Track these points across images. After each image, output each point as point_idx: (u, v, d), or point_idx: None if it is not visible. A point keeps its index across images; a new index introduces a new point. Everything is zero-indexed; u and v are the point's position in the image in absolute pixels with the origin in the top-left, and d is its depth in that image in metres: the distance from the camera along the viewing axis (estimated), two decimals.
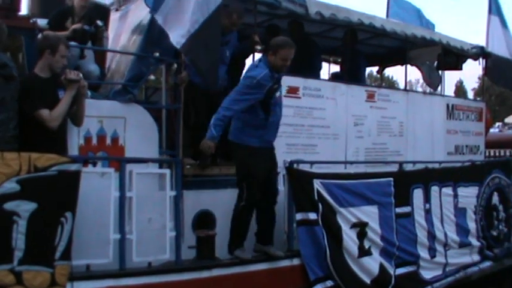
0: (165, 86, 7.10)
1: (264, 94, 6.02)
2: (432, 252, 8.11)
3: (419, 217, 7.99)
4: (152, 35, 6.49)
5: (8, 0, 5.49)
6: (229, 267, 6.05)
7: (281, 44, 6.17)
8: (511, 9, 11.75)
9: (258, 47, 7.84)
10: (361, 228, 7.07)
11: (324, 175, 6.85)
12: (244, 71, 6.70)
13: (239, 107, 6.00)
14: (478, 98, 29.81)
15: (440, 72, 11.48)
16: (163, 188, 5.77)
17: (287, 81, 7.44)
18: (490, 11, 11.43)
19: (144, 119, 6.28)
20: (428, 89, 13.58)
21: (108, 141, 5.99)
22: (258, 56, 7.38)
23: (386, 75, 46.43)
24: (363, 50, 10.18)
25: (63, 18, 6.55)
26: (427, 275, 7.94)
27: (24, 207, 4.59)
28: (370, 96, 8.87)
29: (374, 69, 13.92)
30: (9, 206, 4.53)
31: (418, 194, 8.04)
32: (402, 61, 10.47)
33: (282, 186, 6.70)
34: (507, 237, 9.65)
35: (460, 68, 11.56)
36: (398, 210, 7.62)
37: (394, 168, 8.02)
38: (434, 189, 8.34)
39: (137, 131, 6.17)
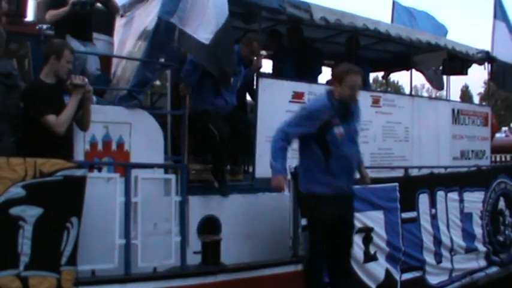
0: (170, 91, 7.12)
1: (316, 128, 5.52)
2: (438, 257, 8.08)
3: (425, 222, 7.97)
4: (157, 40, 6.51)
5: (14, 7, 5.53)
6: (235, 273, 6.03)
7: (346, 71, 5.64)
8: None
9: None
10: (366, 233, 7.05)
11: None
12: None
13: (292, 131, 5.63)
14: (484, 103, 29.78)
15: (445, 77, 11.48)
16: (169, 193, 5.79)
17: (292, 86, 7.45)
18: (495, 16, 11.41)
19: (149, 124, 6.29)
20: (433, 94, 13.57)
21: (114, 146, 6.00)
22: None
23: (391, 80, 46.46)
24: (368, 55, 10.19)
25: None
26: (433, 280, 7.92)
27: (30, 212, 4.61)
28: (376, 102, 8.86)
29: (380, 74, 13.91)
30: (15, 211, 4.55)
31: (423, 199, 8.01)
32: (407, 66, 10.46)
33: (287, 192, 6.71)
34: None
35: (466, 73, 11.53)
36: (404, 215, 7.60)
37: (399, 173, 8.00)
38: (440, 194, 8.31)
39: (143, 136, 6.18)
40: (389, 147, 9.00)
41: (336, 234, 5.67)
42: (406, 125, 9.31)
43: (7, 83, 4.87)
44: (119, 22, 7.78)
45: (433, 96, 36.02)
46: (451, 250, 8.31)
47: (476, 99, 58.10)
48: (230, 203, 6.69)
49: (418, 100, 10.30)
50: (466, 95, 60.40)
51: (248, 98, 8.42)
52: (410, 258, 7.58)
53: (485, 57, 10.92)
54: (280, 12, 7.59)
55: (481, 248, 8.91)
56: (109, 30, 7.39)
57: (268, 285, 6.24)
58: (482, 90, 58.17)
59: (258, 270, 6.21)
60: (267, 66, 9.40)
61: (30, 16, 6.03)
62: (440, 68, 11.33)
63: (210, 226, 6.54)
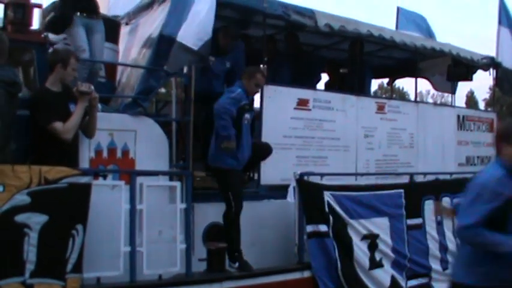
0: (175, 99, 7.14)
1: None
2: (444, 264, 8.04)
3: (431, 229, 7.94)
4: (162, 48, 6.53)
5: (19, 15, 5.54)
6: (240, 280, 6.04)
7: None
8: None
9: None
10: (372, 240, 7.04)
11: (334, 187, 6.85)
12: None
13: None
14: (489, 109, 29.72)
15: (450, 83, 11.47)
16: (174, 200, 5.79)
17: (297, 93, 7.46)
18: (500, 22, 11.39)
19: (154, 132, 6.30)
20: (439, 100, 13.56)
21: (119, 154, 6.01)
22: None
23: (396, 86, 46.43)
24: (373, 62, 10.19)
25: None
26: (439, 287, 7.87)
27: (35, 220, 4.63)
28: (380, 108, 8.85)
29: (385, 81, 13.92)
30: (20, 218, 4.57)
31: (429, 206, 7.99)
32: (412, 73, 10.46)
33: (292, 199, 6.71)
34: None
35: (471, 79, 11.51)
36: (410, 222, 7.59)
37: (405, 179, 7.99)
38: (446, 201, 8.29)
39: (147, 144, 6.18)
40: (395, 154, 8.98)
41: None
42: (411, 132, 9.29)
43: (12, 92, 4.88)
44: (124, 30, 7.82)
45: (438, 102, 36.04)
46: None
47: (481, 105, 57.94)
48: None
49: (423, 106, 10.29)
50: (471, 100, 60.16)
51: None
52: (416, 265, 7.56)
53: (490, 63, 10.90)
54: (284, 19, 7.61)
55: None
56: (114, 38, 7.42)
57: None
58: (487, 96, 57.93)
59: (264, 277, 6.21)
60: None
61: (35, 24, 6.04)
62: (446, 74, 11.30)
63: (215, 233, 6.53)
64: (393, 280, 7.19)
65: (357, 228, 6.91)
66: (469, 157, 10.59)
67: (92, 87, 5.39)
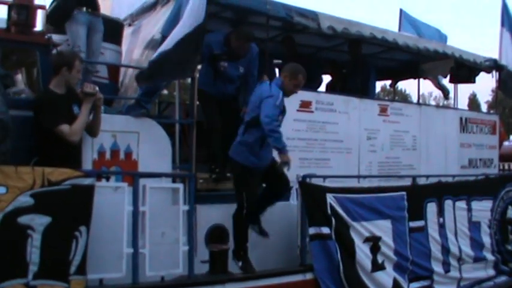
0: (179, 100, 7.14)
1: None
2: (446, 266, 8.06)
3: (433, 231, 7.95)
4: None
5: (23, 16, 5.55)
6: (243, 282, 6.04)
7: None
8: None
9: None
10: (374, 242, 7.04)
11: (337, 189, 6.85)
12: None
13: None
14: (492, 111, 29.70)
15: (452, 85, 11.49)
16: (177, 202, 5.78)
17: (300, 95, 7.46)
18: (502, 24, 11.39)
19: (157, 133, 6.30)
20: (441, 102, 13.57)
21: (122, 155, 6.02)
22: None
23: (399, 88, 46.44)
24: (376, 64, 10.18)
25: None
26: None
27: (39, 221, 4.63)
28: (383, 110, 8.85)
29: (387, 83, 13.91)
30: (23, 219, 4.57)
31: (431, 208, 7.99)
32: (415, 74, 10.46)
33: (295, 201, 6.71)
34: None
35: (473, 81, 11.53)
36: (412, 224, 7.58)
37: (407, 182, 7.99)
38: (448, 203, 8.29)
39: (150, 145, 6.19)
40: (397, 156, 8.99)
41: None
42: (413, 134, 9.30)
43: (5, 83, 4.91)
44: (127, 31, 7.83)
45: (441, 104, 36.03)
46: (459, 259, 8.28)
47: (484, 108, 57.95)
48: None
49: (426, 109, 10.29)
50: (473, 103, 60.24)
51: None
52: (418, 268, 7.56)
53: (493, 66, 10.91)
54: (287, 21, 7.60)
55: (490, 257, 8.88)
56: (117, 39, 7.43)
57: None
58: (490, 98, 57.95)
59: (266, 279, 6.21)
60: None
61: (39, 26, 6.05)
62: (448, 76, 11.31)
63: (217, 235, 6.54)
64: (395, 282, 7.19)
65: (359, 230, 6.90)
66: (471, 159, 10.59)
67: (97, 88, 5.43)
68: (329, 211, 6.66)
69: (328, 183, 6.96)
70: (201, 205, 6.33)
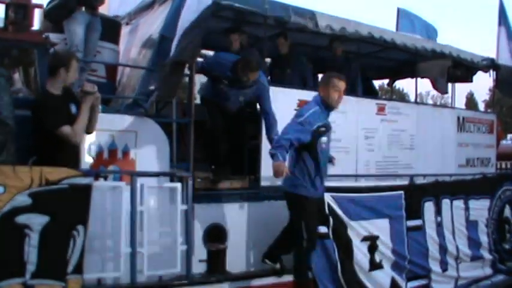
0: (176, 99, 7.13)
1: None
2: (444, 265, 8.06)
3: (431, 230, 7.95)
4: (163, 48, 6.53)
5: (20, 15, 5.54)
6: (240, 281, 6.05)
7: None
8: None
9: None
10: (372, 241, 7.04)
11: (334, 189, 6.83)
12: None
13: None
14: (489, 110, 29.75)
15: (450, 84, 11.48)
16: (175, 201, 5.79)
17: (297, 94, 7.46)
18: (499, 23, 11.41)
19: (155, 132, 6.29)
20: (438, 101, 13.57)
21: (120, 155, 6.01)
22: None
23: (396, 87, 46.44)
24: (373, 63, 10.18)
25: None
26: None
27: (36, 221, 4.62)
28: (381, 109, 8.85)
29: (385, 82, 13.93)
30: (21, 219, 4.56)
31: (429, 207, 8.00)
32: (412, 74, 10.46)
33: None
34: None
35: (471, 80, 11.54)
36: (410, 223, 7.58)
37: (405, 181, 7.98)
38: (446, 202, 8.30)
39: (148, 144, 6.18)
40: (395, 155, 8.99)
41: None
42: (411, 133, 9.29)
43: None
44: (124, 30, 7.82)
45: (438, 103, 36.06)
46: (457, 258, 8.30)
47: (481, 107, 57.99)
48: (236, 211, 6.69)
49: (423, 108, 10.30)
50: (471, 102, 60.20)
51: None
52: (416, 267, 7.57)
53: (490, 65, 10.92)
54: (285, 21, 7.59)
55: (487, 256, 8.90)
56: (115, 39, 7.42)
57: None
58: (487, 97, 57.98)
59: (264, 279, 6.21)
60: None
61: (36, 25, 6.05)
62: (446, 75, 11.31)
63: (215, 234, 6.53)
64: (393, 281, 7.20)
65: (357, 229, 6.90)
66: (469, 158, 10.59)
67: (96, 87, 5.42)
68: (327, 210, 6.65)
69: (326, 182, 6.95)
70: (198, 204, 6.32)
